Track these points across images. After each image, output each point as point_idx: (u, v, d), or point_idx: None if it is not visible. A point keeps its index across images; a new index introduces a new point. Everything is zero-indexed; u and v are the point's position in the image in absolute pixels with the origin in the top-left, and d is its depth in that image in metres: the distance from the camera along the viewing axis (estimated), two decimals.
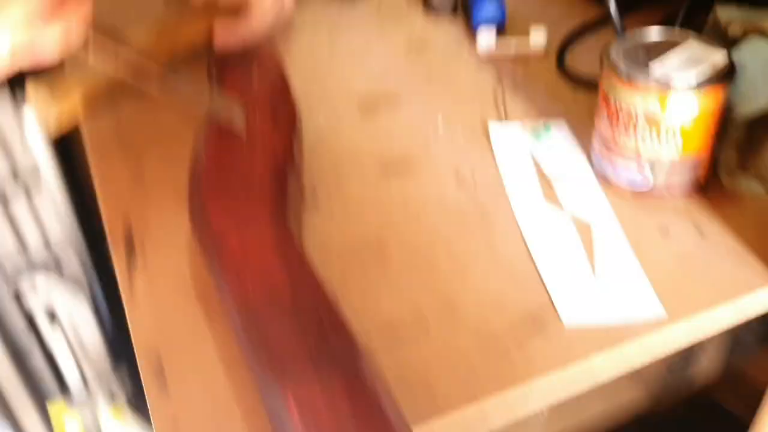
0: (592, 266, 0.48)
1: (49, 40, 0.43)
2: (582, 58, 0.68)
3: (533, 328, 0.44)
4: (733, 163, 0.52)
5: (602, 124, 0.52)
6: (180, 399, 0.41)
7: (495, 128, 0.59)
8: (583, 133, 0.59)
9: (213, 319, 0.45)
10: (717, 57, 0.49)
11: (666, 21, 0.70)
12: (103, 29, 0.46)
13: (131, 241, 0.52)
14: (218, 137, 0.51)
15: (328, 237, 0.51)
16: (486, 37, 0.69)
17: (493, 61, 0.68)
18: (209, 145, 0.51)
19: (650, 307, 0.44)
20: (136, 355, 0.45)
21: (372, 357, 0.39)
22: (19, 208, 1.01)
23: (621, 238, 0.50)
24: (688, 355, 0.46)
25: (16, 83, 0.91)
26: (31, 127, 0.96)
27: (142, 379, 0.43)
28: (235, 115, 0.52)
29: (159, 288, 0.48)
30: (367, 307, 0.44)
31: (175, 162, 0.57)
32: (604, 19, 0.71)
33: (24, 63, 0.44)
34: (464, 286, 0.46)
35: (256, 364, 0.38)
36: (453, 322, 0.44)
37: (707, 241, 0.49)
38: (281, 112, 0.54)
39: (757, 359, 0.53)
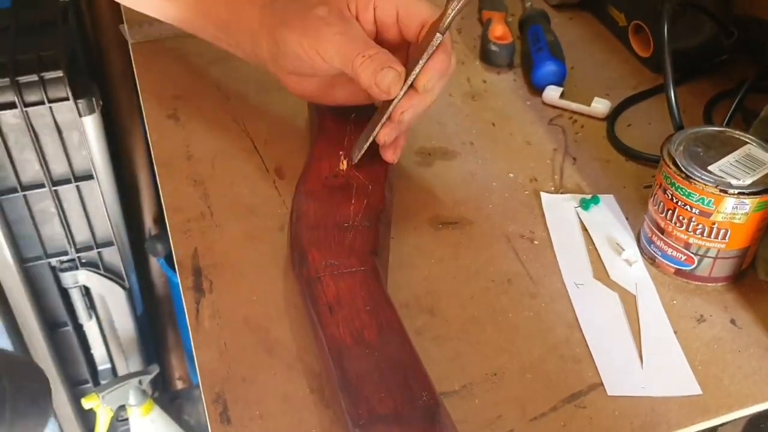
0: (637, 343, 0.51)
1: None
2: (636, 123, 0.71)
3: (577, 401, 0.47)
4: None
5: (656, 211, 0.55)
6: (241, 430, 0.45)
7: (547, 198, 0.62)
8: (631, 204, 0.62)
9: (275, 355, 0.49)
10: None
11: (718, 98, 0.73)
12: None
13: (199, 273, 0.55)
14: (319, 183, 0.56)
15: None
16: (550, 96, 0.71)
17: (551, 122, 0.71)
18: (310, 191, 0.55)
19: (687, 384, 0.48)
20: (201, 384, 0.48)
21: (447, 411, 0.43)
22: (72, 206, 1.05)
23: (662, 316, 0.53)
24: None
25: (80, 94, 0.95)
26: (90, 134, 0.99)
27: (204, 407, 0.47)
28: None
29: (224, 320, 0.51)
30: None
31: (240, 199, 0.61)
32: (658, 88, 0.74)
33: None
34: (510, 357, 0.49)
35: (342, 398, 0.42)
36: (497, 392, 0.47)
37: (741, 332, 0.52)
38: (377, 159, 0.58)
39: None
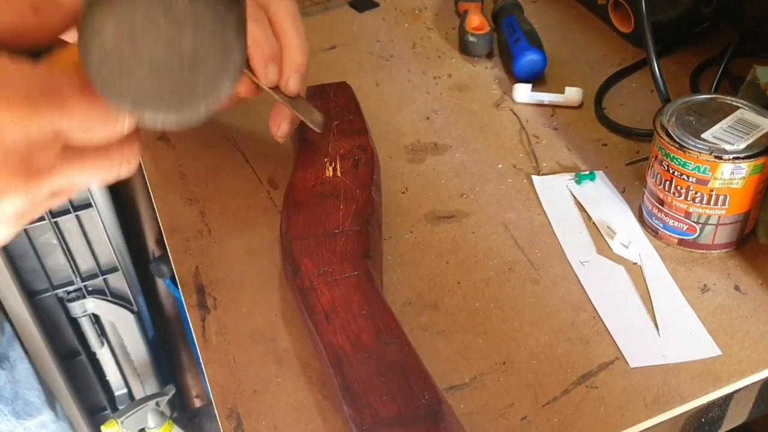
0: (651, 312, 0.51)
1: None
2: (620, 99, 0.71)
3: (588, 382, 0.47)
4: None
5: (654, 184, 0.55)
6: None
7: (539, 181, 0.62)
8: (622, 178, 0.62)
9: (283, 365, 0.49)
10: (767, 125, 0.52)
11: (704, 66, 0.73)
12: None
13: (202, 291, 0.56)
14: (306, 192, 0.56)
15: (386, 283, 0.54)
16: (521, 92, 0.71)
17: (531, 110, 0.70)
18: (298, 201, 0.55)
19: (706, 346, 0.49)
20: (213, 400, 0.49)
21: (450, 407, 0.43)
22: (73, 236, 1.06)
23: (670, 282, 0.53)
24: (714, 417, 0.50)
25: None
26: None
27: (219, 422, 0.47)
28: (318, 121, 0.57)
29: (231, 335, 0.52)
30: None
31: (236, 214, 0.61)
32: (641, 63, 0.74)
33: None
34: (518, 345, 0.50)
35: (345, 404, 0.42)
36: (508, 380, 0.47)
37: (746, 298, 0.52)
38: (362, 162, 0.58)
39: None
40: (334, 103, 0.64)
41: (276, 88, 0.54)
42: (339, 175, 0.57)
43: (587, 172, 0.62)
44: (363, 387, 0.42)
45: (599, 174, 0.62)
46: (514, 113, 0.70)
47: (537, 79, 0.73)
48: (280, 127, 0.57)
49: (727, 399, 0.48)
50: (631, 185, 0.61)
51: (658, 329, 0.50)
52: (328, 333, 0.45)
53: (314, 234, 0.52)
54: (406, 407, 0.41)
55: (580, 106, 0.70)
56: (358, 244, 0.51)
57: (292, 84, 0.54)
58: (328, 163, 0.58)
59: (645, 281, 0.53)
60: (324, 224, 0.53)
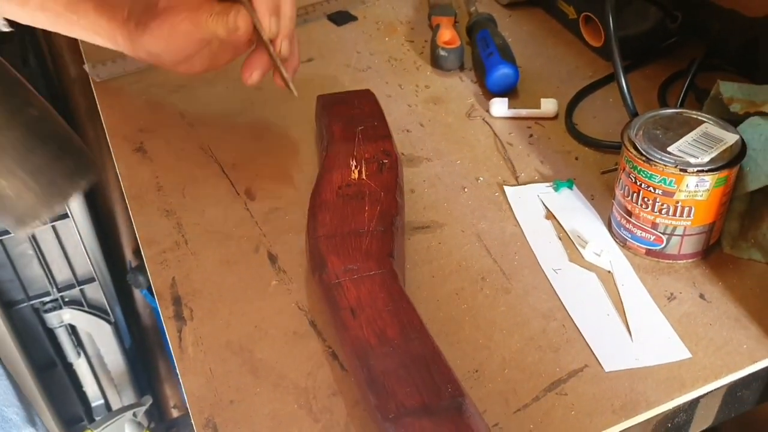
0: (623, 317, 0.53)
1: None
2: (593, 112, 0.73)
3: (558, 389, 0.48)
4: (736, 233, 0.56)
5: (622, 195, 0.56)
6: None
7: (511, 191, 0.63)
8: (592, 188, 0.63)
9: (260, 375, 0.50)
10: (730, 139, 0.53)
11: (672, 79, 0.75)
12: None
13: (179, 302, 0.56)
14: (333, 193, 0.58)
15: None
16: (498, 107, 0.72)
17: (505, 122, 0.72)
18: (325, 201, 0.57)
19: (677, 349, 0.50)
20: (190, 410, 0.49)
21: (472, 400, 0.44)
22: (50, 247, 1.05)
23: (641, 288, 0.55)
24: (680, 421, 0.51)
25: None
26: None
27: None
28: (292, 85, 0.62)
29: (208, 345, 0.52)
30: None
31: (213, 225, 0.62)
32: (612, 76, 0.76)
33: None
34: (490, 353, 0.51)
35: (370, 394, 0.43)
36: (480, 388, 0.48)
37: (710, 306, 0.53)
38: (386, 167, 0.60)
39: (754, 413, 0.57)
40: (359, 110, 0.66)
41: (272, 43, 0.60)
42: (364, 177, 0.59)
43: (565, 180, 0.63)
44: (388, 379, 0.44)
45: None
46: (489, 125, 0.72)
47: (509, 93, 0.74)
48: (252, 75, 0.62)
49: (693, 404, 0.50)
50: (601, 196, 0.63)
51: (630, 334, 0.51)
52: (354, 327, 0.47)
53: (340, 232, 0.54)
54: (430, 398, 0.43)
55: (556, 117, 0.72)
56: (382, 244, 0.53)
57: (285, 48, 0.61)
58: (353, 167, 0.60)
59: (616, 287, 0.55)
60: (350, 224, 0.55)
